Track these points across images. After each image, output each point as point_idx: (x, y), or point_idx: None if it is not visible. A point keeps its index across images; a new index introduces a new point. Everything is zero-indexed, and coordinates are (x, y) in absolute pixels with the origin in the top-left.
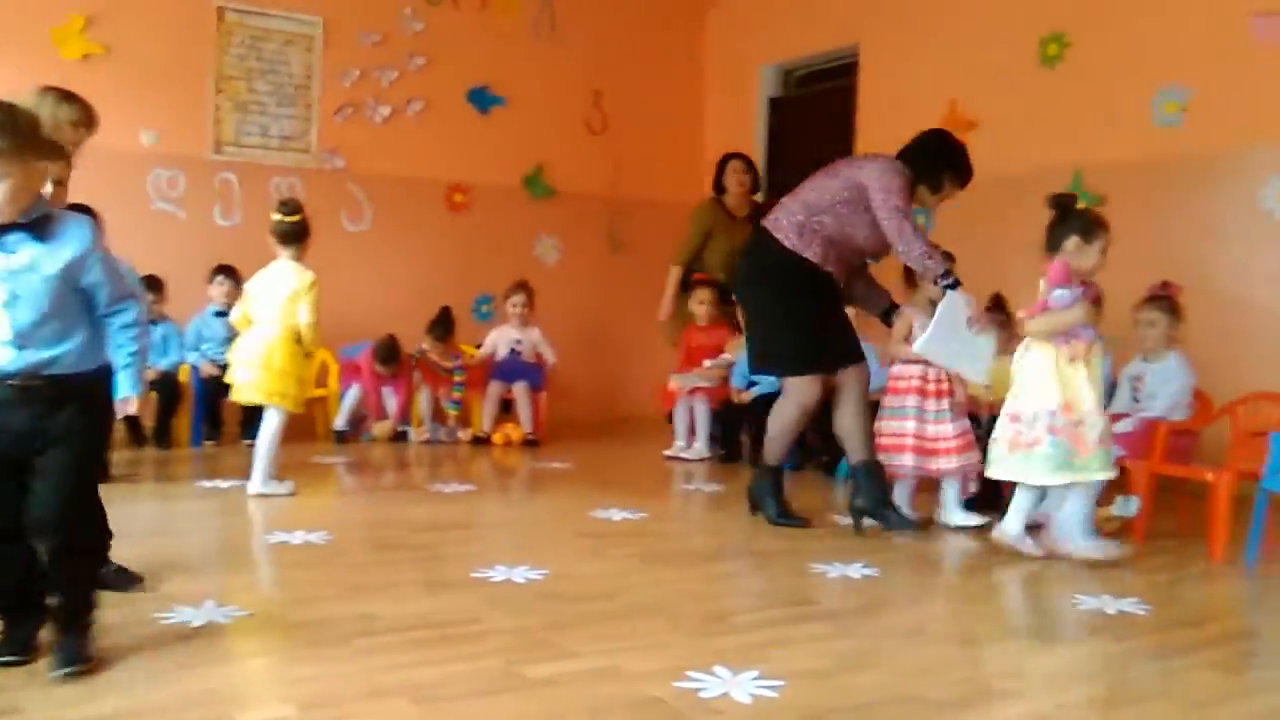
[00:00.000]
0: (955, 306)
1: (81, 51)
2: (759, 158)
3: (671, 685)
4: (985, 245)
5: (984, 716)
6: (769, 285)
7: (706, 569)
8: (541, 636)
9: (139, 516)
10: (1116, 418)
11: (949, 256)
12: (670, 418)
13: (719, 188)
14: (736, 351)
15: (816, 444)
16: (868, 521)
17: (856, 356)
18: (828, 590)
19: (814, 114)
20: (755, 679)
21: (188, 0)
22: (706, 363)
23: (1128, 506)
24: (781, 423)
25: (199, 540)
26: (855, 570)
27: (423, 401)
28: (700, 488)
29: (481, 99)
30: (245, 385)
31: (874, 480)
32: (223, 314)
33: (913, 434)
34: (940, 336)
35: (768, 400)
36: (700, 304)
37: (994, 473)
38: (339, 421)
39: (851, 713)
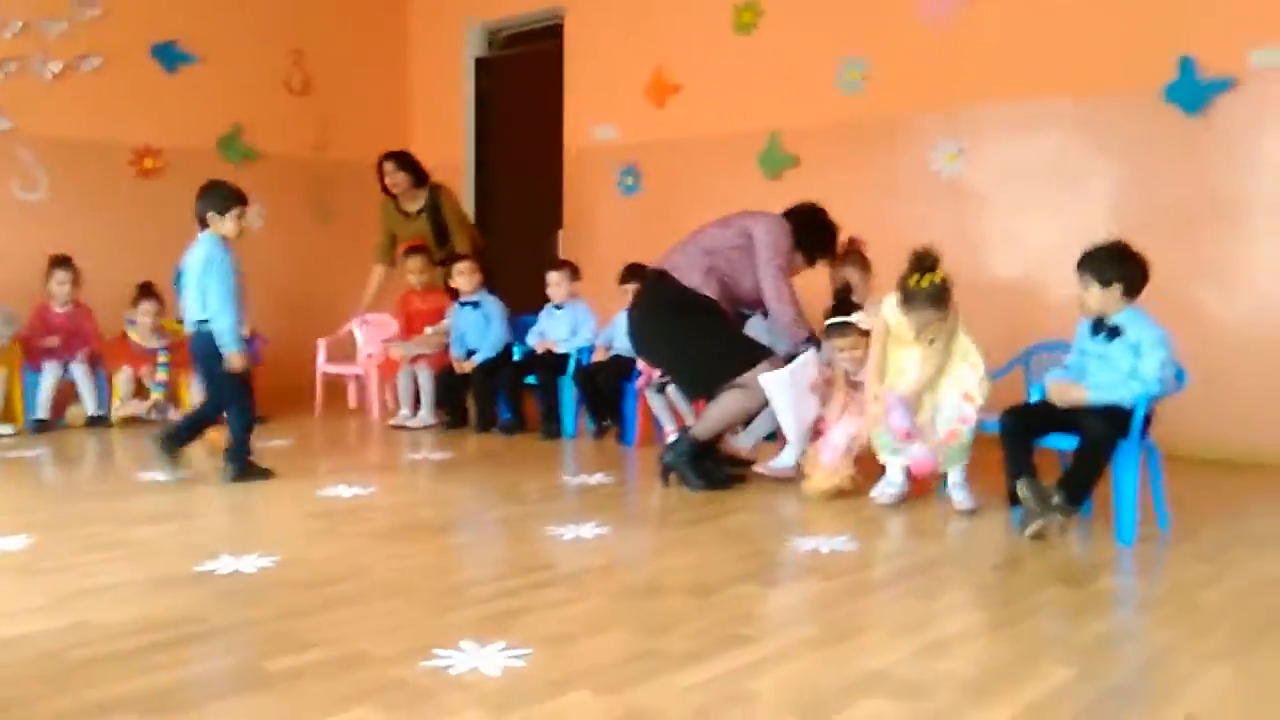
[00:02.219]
0: (808, 363)
1: None
2: (468, 118)
3: (419, 665)
4: (688, 205)
5: (722, 664)
6: (682, 315)
7: (441, 541)
8: (279, 628)
9: None
10: None
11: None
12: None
13: (386, 190)
14: (453, 318)
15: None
16: (674, 477)
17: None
18: (564, 553)
19: (521, 75)
20: (503, 650)
21: None
22: (428, 329)
23: None
24: (728, 411)
25: None
26: (588, 531)
27: (123, 381)
28: (428, 456)
29: (168, 55)
30: None
31: (690, 444)
32: None
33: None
34: (788, 382)
35: (490, 367)
36: (414, 272)
37: None
38: (38, 409)
39: (599, 673)
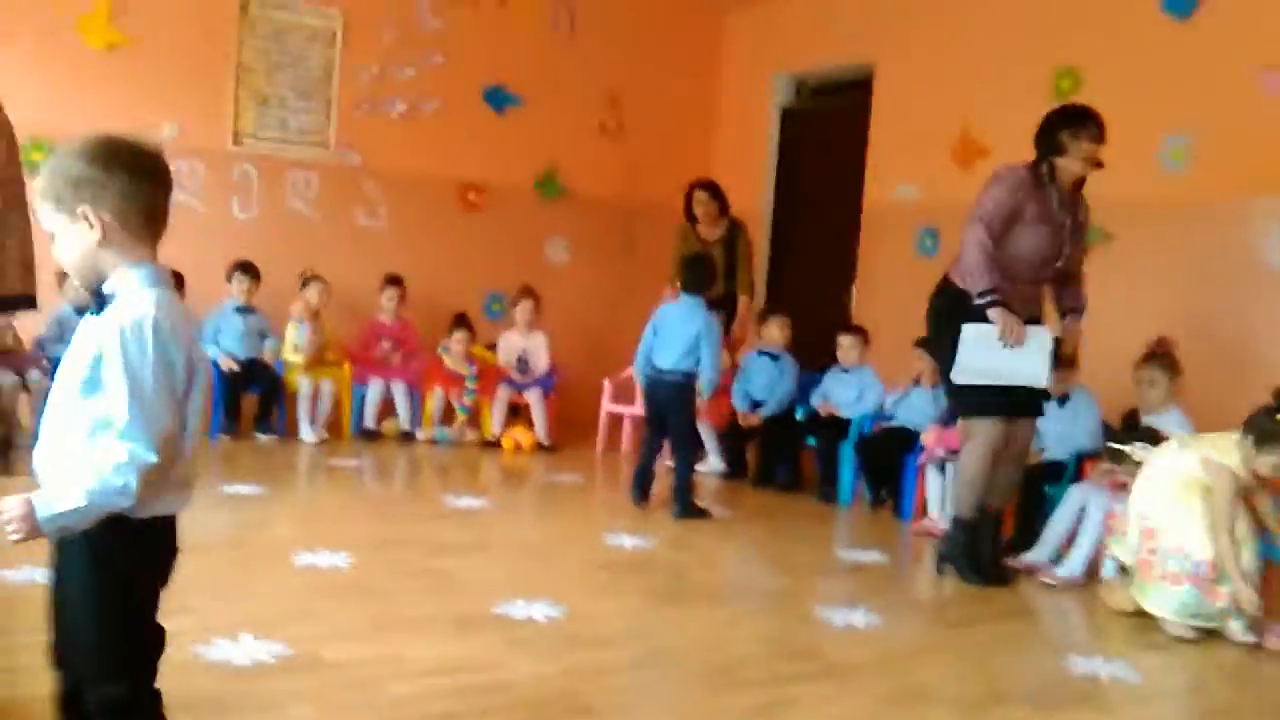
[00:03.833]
0: (976, 335)
1: (107, 41)
2: (770, 168)
3: None
4: None
5: None
6: (946, 326)
7: (715, 611)
8: (565, 686)
9: None
10: None
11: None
12: None
13: (690, 216)
14: (746, 365)
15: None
16: (947, 568)
17: (1023, 410)
18: (833, 641)
19: (826, 127)
20: None
21: None
22: None
23: None
24: (968, 468)
25: (229, 557)
26: (859, 618)
27: (435, 402)
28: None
29: (497, 98)
30: None
31: (962, 533)
32: (242, 310)
33: None
34: (972, 363)
35: (779, 420)
36: None
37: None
38: (365, 420)
39: None
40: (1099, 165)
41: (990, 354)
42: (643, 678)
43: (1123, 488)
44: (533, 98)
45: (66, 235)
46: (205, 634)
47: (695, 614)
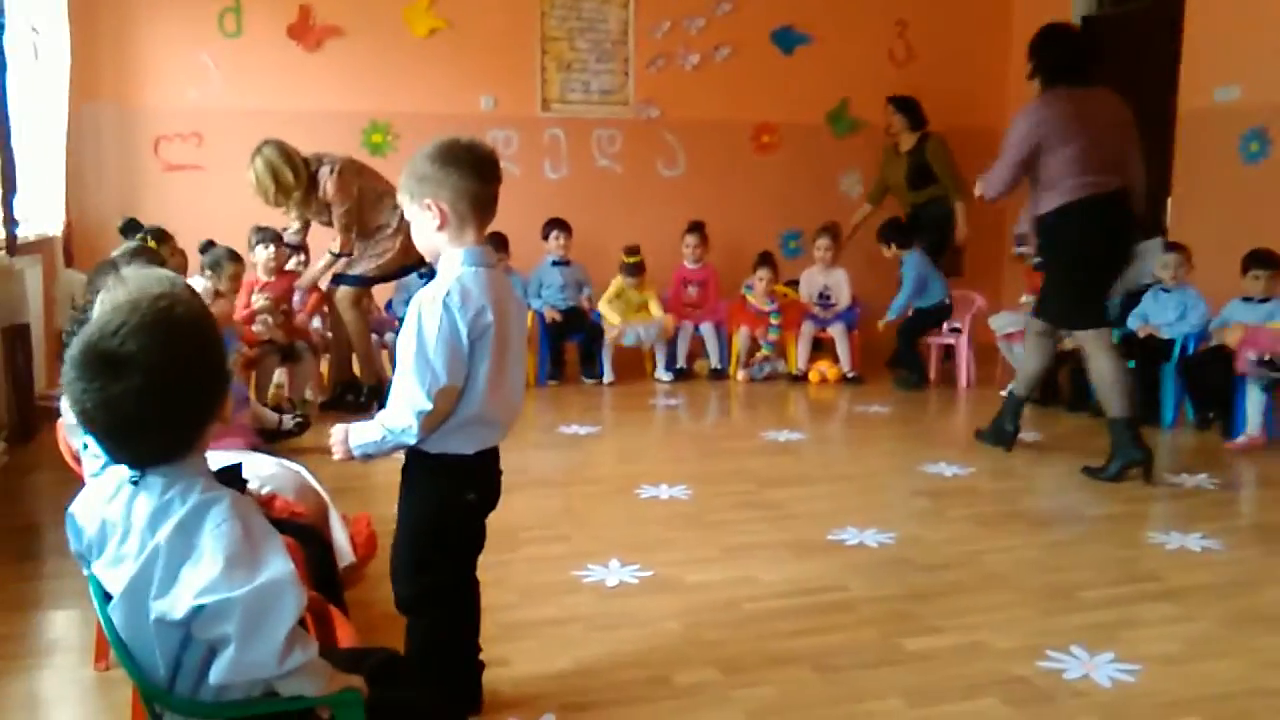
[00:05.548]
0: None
1: (428, 28)
2: None
3: (1034, 665)
4: None
5: None
6: None
7: (1043, 536)
8: (905, 608)
9: (522, 462)
10: None
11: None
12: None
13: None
14: None
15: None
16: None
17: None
18: (1170, 565)
19: (1131, 35)
20: (1112, 662)
21: None
22: (1023, 297)
23: None
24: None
25: (583, 491)
26: (1194, 542)
27: (741, 340)
28: (1021, 437)
29: (786, 39)
30: None
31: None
32: (559, 263)
33: None
34: None
35: None
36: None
37: None
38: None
39: (1213, 703)
40: None
41: None
42: (982, 600)
43: None
44: (820, 34)
45: (417, 221)
46: (579, 559)
47: (1025, 539)
